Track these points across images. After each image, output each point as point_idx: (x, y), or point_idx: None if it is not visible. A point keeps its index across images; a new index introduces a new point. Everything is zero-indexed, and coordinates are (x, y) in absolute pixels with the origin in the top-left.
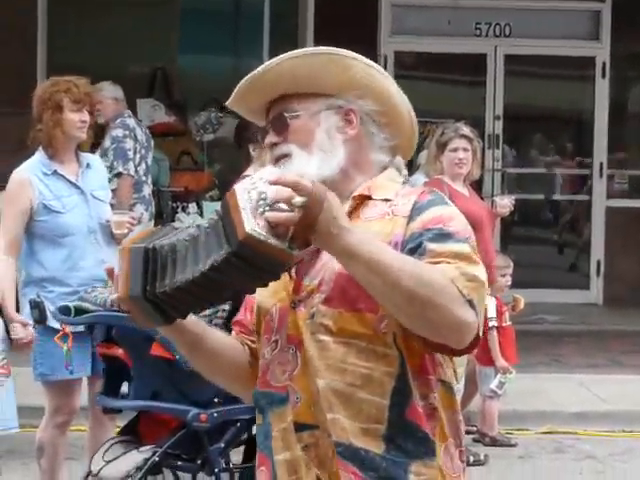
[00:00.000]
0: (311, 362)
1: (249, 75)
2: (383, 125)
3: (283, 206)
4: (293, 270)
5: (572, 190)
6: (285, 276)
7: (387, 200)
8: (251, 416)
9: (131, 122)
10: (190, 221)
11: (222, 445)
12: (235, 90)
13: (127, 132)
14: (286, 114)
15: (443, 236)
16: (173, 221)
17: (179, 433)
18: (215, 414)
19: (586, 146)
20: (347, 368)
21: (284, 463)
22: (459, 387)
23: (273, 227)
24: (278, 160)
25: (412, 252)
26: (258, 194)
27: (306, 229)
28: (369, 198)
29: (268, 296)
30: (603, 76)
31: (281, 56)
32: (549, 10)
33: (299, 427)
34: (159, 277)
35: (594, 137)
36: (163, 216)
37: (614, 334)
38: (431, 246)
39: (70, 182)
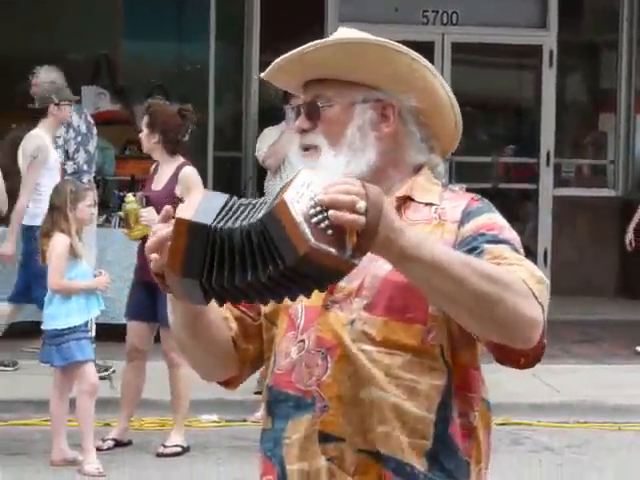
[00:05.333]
0: (362, 371)
1: (287, 54)
2: (423, 124)
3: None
4: None
5: (519, 179)
6: None
7: (430, 204)
8: None
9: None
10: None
11: None
12: (272, 65)
13: None
14: (320, 102)
15: (499, 242)
16: (119, 210)
17: None
18: None
19: (533, 135)
20: (391, 380)
21: (300, 473)
22: None
23: (331, 238)
24: (306, 150)
25: (468, 254)
26: (309, 203)
27: (366, 236)
28: (410, 199)
29: None
30: (550, 64)
31: (322, 40)
32: None
33: (324, 437)
34: (217, 268)
35: (541, 126)
36: (110, 205)
37: (564, 324)
38: (490, 247)
39: None
